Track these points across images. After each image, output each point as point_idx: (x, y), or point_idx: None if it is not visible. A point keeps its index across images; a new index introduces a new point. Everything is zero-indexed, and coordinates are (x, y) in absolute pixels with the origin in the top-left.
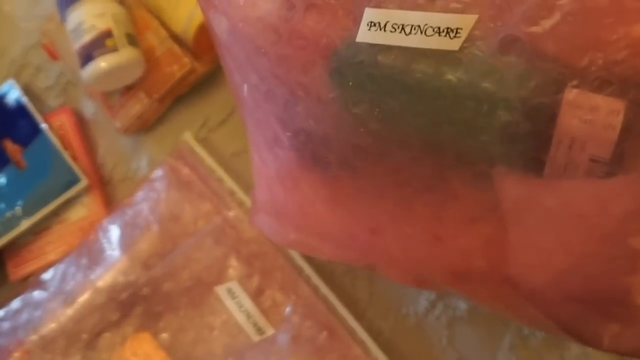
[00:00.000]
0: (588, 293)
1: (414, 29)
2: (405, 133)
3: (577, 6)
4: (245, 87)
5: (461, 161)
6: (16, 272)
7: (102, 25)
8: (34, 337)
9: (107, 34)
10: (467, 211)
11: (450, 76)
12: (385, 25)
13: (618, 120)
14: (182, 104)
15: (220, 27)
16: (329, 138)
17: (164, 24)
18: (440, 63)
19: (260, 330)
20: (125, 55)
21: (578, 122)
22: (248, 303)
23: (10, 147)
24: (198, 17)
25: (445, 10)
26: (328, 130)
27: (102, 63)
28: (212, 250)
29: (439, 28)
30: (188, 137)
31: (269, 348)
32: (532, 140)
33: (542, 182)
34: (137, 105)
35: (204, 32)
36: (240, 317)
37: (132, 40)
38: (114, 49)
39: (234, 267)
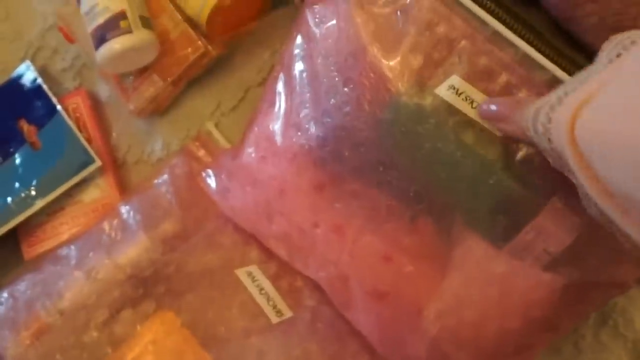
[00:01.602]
0: (470, 353)
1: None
2: (417, 172)
3: None
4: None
5: (439, 209)
6: (30, 251)
7: (116, 7)
8: (52, 311)
9: (121, 16)
10: (422, 247)
11: (482, 150)
12: (460, 93)
13: (575, 233)
14: (195, 88)
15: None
16: (359, 142)
17: (178, 7)
18: (478, 139)
19: (279, 313)
20: (139, 37)
21: (552, 223)
22: (268, 286)
23: (26, 127)
24: (212, 1)
25: None
26: (360, 138)
27: (115, 45)
28: (234, 234)
29: None
30: (210, 126)
31: (288, 329)
32: (509, 220)
33: (497, 251)
34: (151, 88)
35: (218, 15)
36: (260, 300)
37: (146, 22)
38: (128, 31)
39: (254, 252)
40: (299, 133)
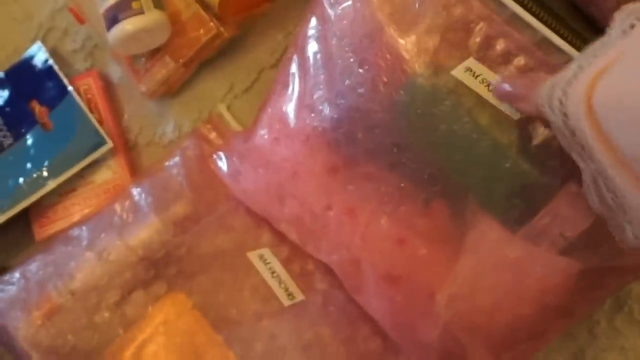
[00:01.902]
0: (482, 338)
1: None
2: (432, 154)
3: None
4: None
5: (453, 192)
6: (42, 232)
7: None
8: (64, 291)
9: None
10: (436, 230)
11: (497, 133)
12: (477, 76)
13: (592, 218)
14: (208, 69)
15: None
16: (373, 124)
17: None
18: (494, 122)
19: (291, 296)
20: (151, 18)
21: (567, 207)
22: (280, 269)
23: (38, 108)
24: None
25: None
26: (375, 120)
27: (127, 25)
28: (245, 217)
29: None
30: (222, 108)
31: (300, 312)
32: (524, 204)
33: (511, 236)
34: (163, 70)
35: None
36: (272, 282)
37: (159, 3)
38: (140, 12)
39: (266, 235)
40: (313, 114)
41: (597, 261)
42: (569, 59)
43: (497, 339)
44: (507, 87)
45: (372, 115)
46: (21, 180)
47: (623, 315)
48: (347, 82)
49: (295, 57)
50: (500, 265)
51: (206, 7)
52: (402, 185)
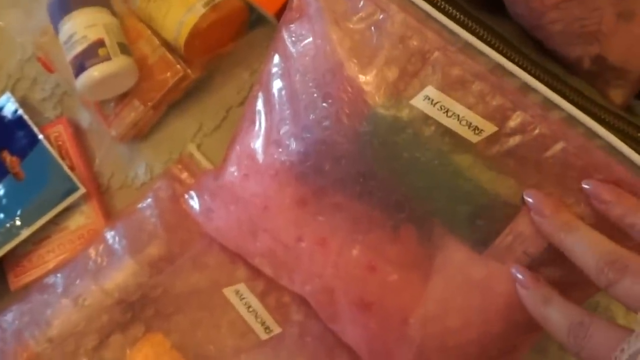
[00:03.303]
0: (456, 358)
1: (454, 115)
2: (397, 181)
3: None
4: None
5: (420, 217)
6: (17, 281)
7: (94, 35)
8: (41, 340)
9: (100, 44)
10: (405, 255)
11: (458, 158)
12: (436, 103)
13: None
14: (176, 111)
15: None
16: (339, 155)
17: (155, 33)
18: (454, 147)
19: (268, 329)
20: (118, 63)
21: (530, 225)
22: (256, 303)
23: (9, 159)
24: (188, 25)
25: (481, 115)
26: (340, 152)
27: (94, 72)
28: (219, 254)
29: (470, 123)
30: (192, 148)
31: (277, 345)
32: (490, 225)
33: (477, 256)
34: (132, 113)
35: (195, 39)
36: (248, 317)
37: (125, 49)
38: (107, 58)
39: (241, 270)
40: (280, 149)
41: (561, 276)
42: (521, 83)
43: (471, 357)
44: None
45: (337, 147)
46: None
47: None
48: (311, 116)
49: (260, 94)
50: (468, 285)
51: (172, 50)
52: (371, 213)
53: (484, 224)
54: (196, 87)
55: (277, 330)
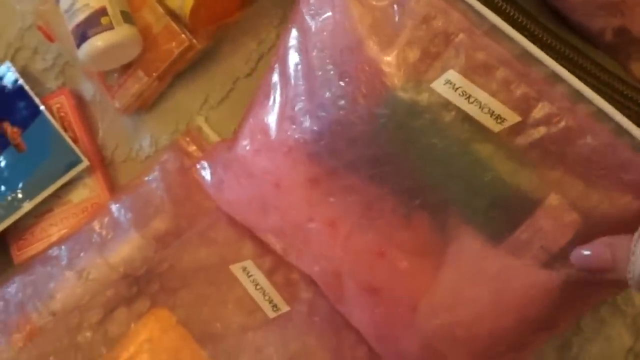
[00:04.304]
0: (463, 350)
1: (476, 102)
2: (412, 167)
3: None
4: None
5: (434, 205)
6: (20, 255)
7: (96, 3)
8: (45, 312)
9: (102, 12)
10: (417, 243)
11: (477, 146)
12: (457, 88)
13: (574, 231)
14: (182, 82)
15: None
16: (354, 137)
17: (159, 1)
18: (474, 135)
19: (275, 307)
20: (121, 33)
21: (549, 220)
22: (263, 281)
23: (10, 130)
24: None
25: (504, 102)
26: (355, 133)
27: (98, 42)
28: (227, 230)
29: (493, 111)
30: (200, 120)
31: (285, 324)
32: (507, 218)
33: (492, 249)
34: (136, 84)
35: (200, 7)
36: (256, 295)
37: (128, 17)
38: (110, 27)
39: (248, 246)
40: (294, 126)
41: (578, 274)
42: (550, 72)
43: (478, 351)
44: (586, 254)
45: (352, 128)
46: None
47: (607, 305)
48: (327, 94)
49: (276, 67)
50: (481, 278)
51: (177, 19)
52: (384, 198)
53: (501, 216)
54: (202, 57)
55: (285, 308)
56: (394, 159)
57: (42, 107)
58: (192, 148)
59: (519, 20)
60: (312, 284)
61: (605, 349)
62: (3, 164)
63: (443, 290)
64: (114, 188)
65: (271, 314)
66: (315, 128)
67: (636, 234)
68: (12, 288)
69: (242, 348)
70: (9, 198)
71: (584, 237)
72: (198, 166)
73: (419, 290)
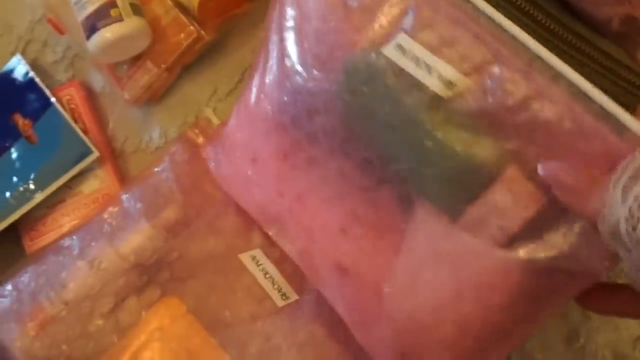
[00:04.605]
0: (434, 340)
1: (426, 66)
2: (369, 138)
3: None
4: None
5: (396, 179)
6: (32, 245)
7: None
8: (57, 302)
9: (111, 4)
10: (379, 220)
11: (428, 114)
12: (406, 52)
13: (535, 208)
14: (190, 74)
15: None
16: (313, 107)
17: None
18: (424, 101)
19: (284, 296)
20: (130, 25)
21: (506, 196)
22: (273, 270)
23: (21, 121)
24: None
25: (455, 66)
26: (315, 102)
27: (107, 34)
28: (236, 219)
29: (442, 75)
30: (209, 112)
31: (294, 312)
32: (462, 191)
33: (450, 226)
34: (146, 76)
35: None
36: (265, 283)
37: (137, 9)
38: (119, 19)
39: (257, 236)
40: (266, 97)
41: (541, 260)
42: (508, 37)
43: (448, 341)
44: (562, 174)
45: (312, 97)
46: (8, 194)
47: None
48: (294, 65)
49: (264, 42)
50: (439, 258)
51: (186, 11)
52: (345, 171)
53: (458, 190)
54: (211, 49)
55: (293, 297)
56: (351, 130)
57: (52, 99)
58: (201, 139)
59: (519, 4)
60: None
61: (613, 338)
62: (15, 155)
63: (403, 272)
64: (124, 179)
65: (280, 303)
66: (282, 99)
67: (614, 177)
68: (25, 277)
69: (251, 336)
70: (21, 189)
71: (545, 217)
72: (207, 149)
73: (383, 272)
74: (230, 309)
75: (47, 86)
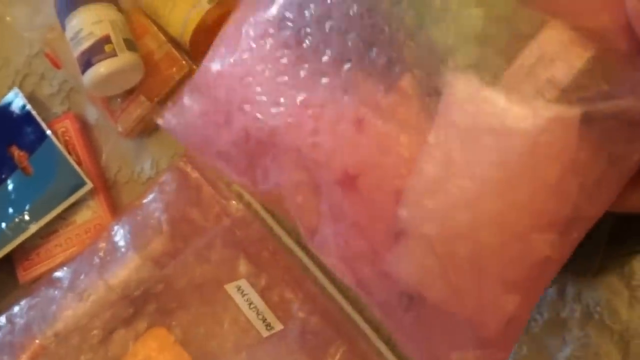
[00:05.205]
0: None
1: None
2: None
3: None
4: None
5: (417, 62)
6: (26, 275)
7: (100, 31)
8: (48, 334)
9: (106, 40)
10: (401, 109)
11: None
12: None
13: (586, 56)
14: None
15: None
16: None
17: (161, 29)
18: None
19: (269, 326)
20: (123, 59)
21: (554, 45)
22: (257, 300)
23: (17, 153)
24: (193, 21)
25: None
26: None
27: (101, 68)
28: (222, 250)
29: None
30: None
31: (278, 343)
32: (498, 53)
33: (489, 88)
34: (138, 109)
35: (200, 34)
36: (250, 314)
37: (131, 45)
38: (113, 54)
39: (243, 265)
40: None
41: (599, 108)
42: None
43: (487, 256)
44: None
45: None
46: (3, 225)
47: (593, 322)
48: None
49: None
50: (476, 130)
51: (178, 46)
52: (363, 55)
53: (495, 51)
54: None
55: (278, 327)
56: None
57: (48, 132)
58: (189, 168)
59: None
60: (307, 302)
61: None
62: (11, 187)
63: (430, 164)
64: (116, 209)
65: (265, 333)
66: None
67: None
68: (19, 310)
69: None
70: (16, 220)
71: (607, 63)
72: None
73: (402, 172)
74: (217, 340)
75: (44, 118)
